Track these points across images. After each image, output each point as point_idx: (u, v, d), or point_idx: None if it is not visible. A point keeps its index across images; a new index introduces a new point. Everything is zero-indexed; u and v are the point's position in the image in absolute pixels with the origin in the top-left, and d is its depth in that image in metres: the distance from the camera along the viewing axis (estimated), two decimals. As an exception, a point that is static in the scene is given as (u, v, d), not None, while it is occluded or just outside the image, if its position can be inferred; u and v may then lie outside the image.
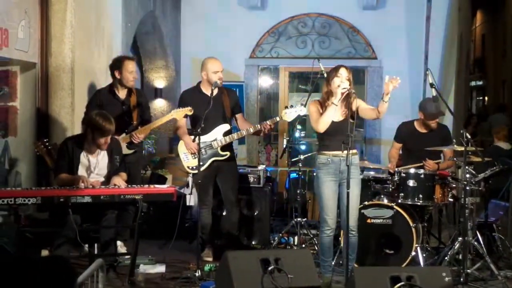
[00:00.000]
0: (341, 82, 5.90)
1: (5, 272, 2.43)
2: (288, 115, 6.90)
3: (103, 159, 6.31)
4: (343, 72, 5.97)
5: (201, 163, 6.81)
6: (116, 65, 7.06)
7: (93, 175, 6.24)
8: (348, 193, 5.70)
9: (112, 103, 6.95)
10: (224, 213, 7.35)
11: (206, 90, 7.01)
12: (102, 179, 6.27)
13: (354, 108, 5.90)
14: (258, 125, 6.98)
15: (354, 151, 6.01)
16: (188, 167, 7.05)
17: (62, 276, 2.50)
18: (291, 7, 11.36)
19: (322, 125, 5.96)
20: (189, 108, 6.91)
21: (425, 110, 7.20)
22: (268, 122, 6.89)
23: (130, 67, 7.04)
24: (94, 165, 6.26)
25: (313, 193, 8.45)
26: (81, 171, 6.20)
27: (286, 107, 7.08)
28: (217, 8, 11.37)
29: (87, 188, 5.87)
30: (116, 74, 7.04)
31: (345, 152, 5.72)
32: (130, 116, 7.07)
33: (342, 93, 5.86)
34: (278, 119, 7.03)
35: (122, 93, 7.09)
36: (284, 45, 11.44)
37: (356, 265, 6.16)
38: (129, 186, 6.19)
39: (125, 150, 6.87)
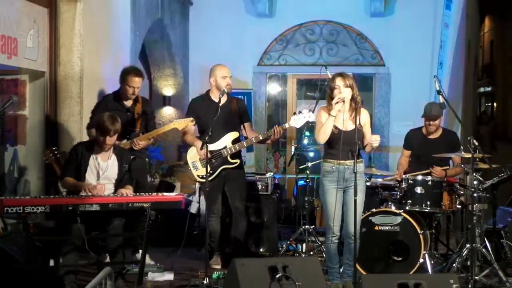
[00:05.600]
0: (339, 92, 5.90)
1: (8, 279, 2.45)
2: (297, 121, 6.83)
3: (113, 165, 6.32)
4: (339, 82, 5.94)
5: (211, 172, 6.79)
6: (121, 76, 7.09)
7: (101, 178, 6.26)
8: (355, 200, 5.71)
9: (117, 110, 6.91)
10: (232, 221, 7.34)
11: (215, 97, 6.98)
12: (112, 186, 6.29)
13: (361, 118, 5.93)
14: (268, 132, 6.96)
15: (360, 159, 6.02)
16: (198, 176, 7.00)
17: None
18: (299, 15, 11.37)
19: (321, 137, 5.98)
20: (191, 118, 6.93)
21: (424, 112, 7.22)
22: (278, 128, 6.87)
23: (130, 81, 7.00)
24: (104, 169, 6.27)
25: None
26: (90, 175, 6.23)
27: (295, 113, 7.04)
28: (225, 16, 11.38)
29: (89, 196, 5.89)
30: (121, 83, 7.09)
31: (351, 160, 5.75)
32: (134, 123, 7.07)
33: (336, 103, 5.87)
34: (287, 125, 6.97)
35: (128, 101, 7.11)
36: (292, 53, 11.47)
37: (363, 272, 6.14)
38: (137, 194, 6.21)
39: None
